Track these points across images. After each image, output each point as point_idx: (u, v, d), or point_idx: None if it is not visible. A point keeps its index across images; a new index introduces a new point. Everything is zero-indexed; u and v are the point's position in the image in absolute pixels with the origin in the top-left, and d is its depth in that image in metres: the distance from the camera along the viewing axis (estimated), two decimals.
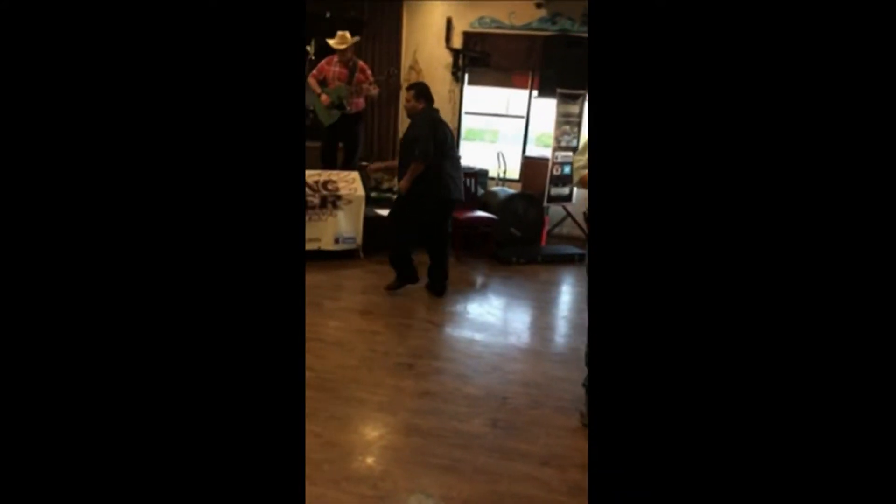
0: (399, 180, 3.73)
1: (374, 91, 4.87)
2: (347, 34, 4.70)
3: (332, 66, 4.75)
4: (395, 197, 4.04)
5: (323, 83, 4.76)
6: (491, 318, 3.57)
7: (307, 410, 2.27)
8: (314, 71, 4.80)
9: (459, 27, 5.65)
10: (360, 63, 4.87)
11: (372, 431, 2.23)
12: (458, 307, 3.68)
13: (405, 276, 3.77)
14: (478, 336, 3.21)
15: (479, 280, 4.37)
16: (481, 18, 5.59)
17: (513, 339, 3.26)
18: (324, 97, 4.72)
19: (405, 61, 5.79)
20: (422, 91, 3.65)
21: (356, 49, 4.90)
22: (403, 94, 3.87)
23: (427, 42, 5.76)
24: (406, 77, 5.64)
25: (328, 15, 5.24)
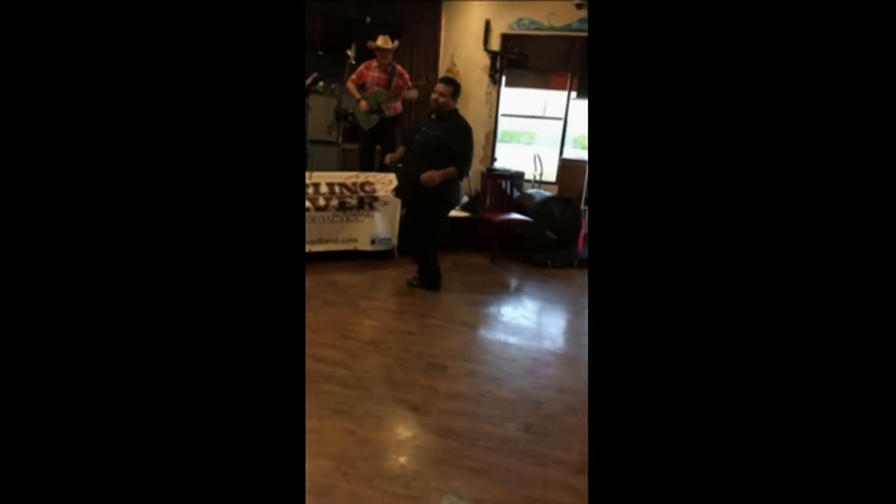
0: (403, 179, 3.70)
1: (414, 94, 4.92)
2: (388, 38, 4.78)
3: (371, 72, 4.83)
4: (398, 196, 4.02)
5: (362, 88, 4.85)
6: (525, 321, 3.56)
7: (342, 408, 2.33)
8: (353, 76, 4.89)
9: (498, 29, 5.65)
10: (399, 68, 4.93)
11: (405, 431, 2.25)
12: (492, 310, 3.68)
13: (430, 279, 3.81)
14: (511, 339, 3.20)
15: (514, 283, 4.35)
16: (520, 20, 5.58)
17: (547, 344, 3.23)
18: (363, 103, 4.80)
19: (443, 64, 5.82)
20: (458, 91, 3.61)
21: (395, 53, 4.97)
22: (437, 87, 3.61)
23: (465, 44, 5.78)
24: None
25: (368, 20, 5.34)
